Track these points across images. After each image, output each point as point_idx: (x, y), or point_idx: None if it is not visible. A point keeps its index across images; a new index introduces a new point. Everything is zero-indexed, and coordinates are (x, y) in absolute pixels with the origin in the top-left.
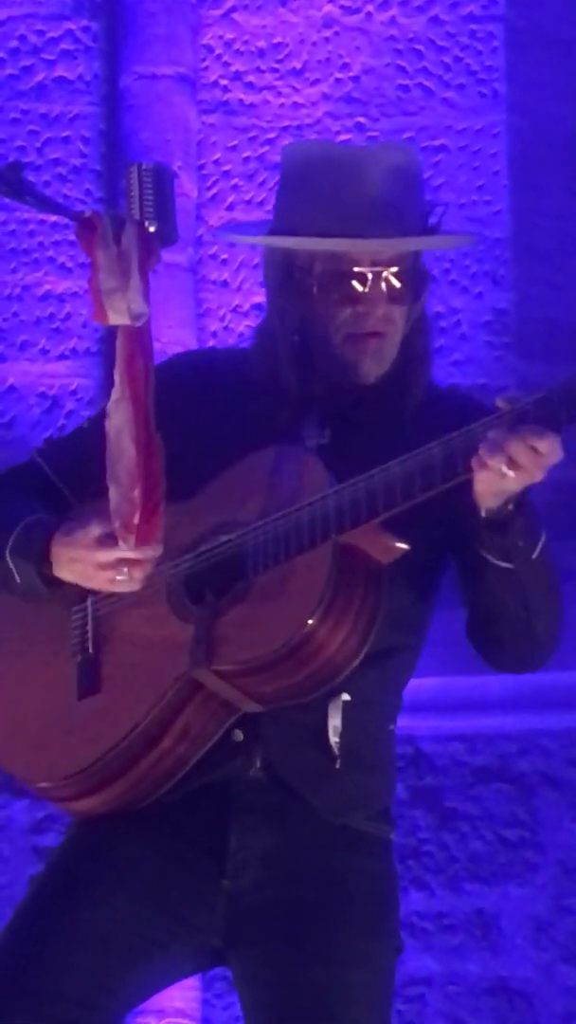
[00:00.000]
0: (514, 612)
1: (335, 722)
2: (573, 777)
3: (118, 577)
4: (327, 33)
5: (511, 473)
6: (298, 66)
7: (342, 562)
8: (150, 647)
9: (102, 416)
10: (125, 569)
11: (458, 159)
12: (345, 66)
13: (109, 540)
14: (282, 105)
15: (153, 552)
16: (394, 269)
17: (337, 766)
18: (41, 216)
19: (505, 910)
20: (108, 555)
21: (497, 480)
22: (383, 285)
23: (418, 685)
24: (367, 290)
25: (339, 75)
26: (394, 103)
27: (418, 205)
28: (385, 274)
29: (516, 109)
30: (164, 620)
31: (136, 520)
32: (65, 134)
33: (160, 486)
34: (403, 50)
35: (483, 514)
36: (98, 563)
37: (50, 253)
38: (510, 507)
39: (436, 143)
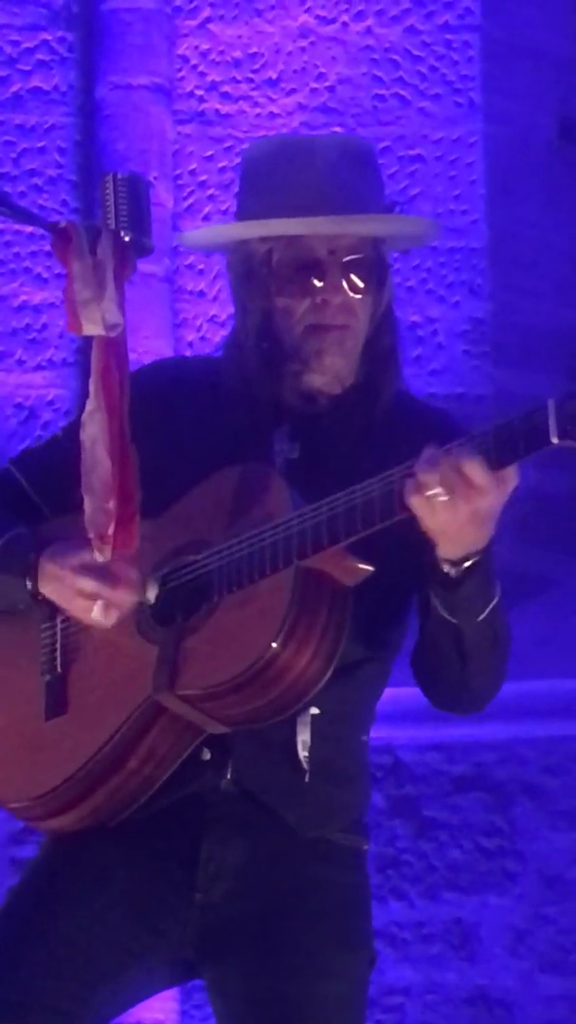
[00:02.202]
0: (451, 661)
1: (303, 736)
2: (551, 786)
3: (94, 609)
4: (303, 43)
5: (443, 497)
6: (274, 76)
7: (305, 585)
8: (116, 668)
9: (76, 426)
10: (100, 603)
11: (434, 169)
12: (321, 76)
13: (89, 570)
14: (258, 115)
15: (131, 598)
16: (353, 257)
17: (306, 780)
18: (17, 227)
19: (484, 919)
20: (89, 585)
21: (429, 508)
22: (342, 275)
23: (397, 695)
24: (325, 280)
25: (315, 85)
26: (370, 113)
27: (375, 191)
28: (343, 262)
29: (492, 118)
30: (130, 641)
31: (111, 531)
32: (41, 144)
33: (135, 497)
34: (379, 60)
35: (439, 561)
36: (78, 589)
37: (26, 264)
38: (467, 564)
39: (412, 153)
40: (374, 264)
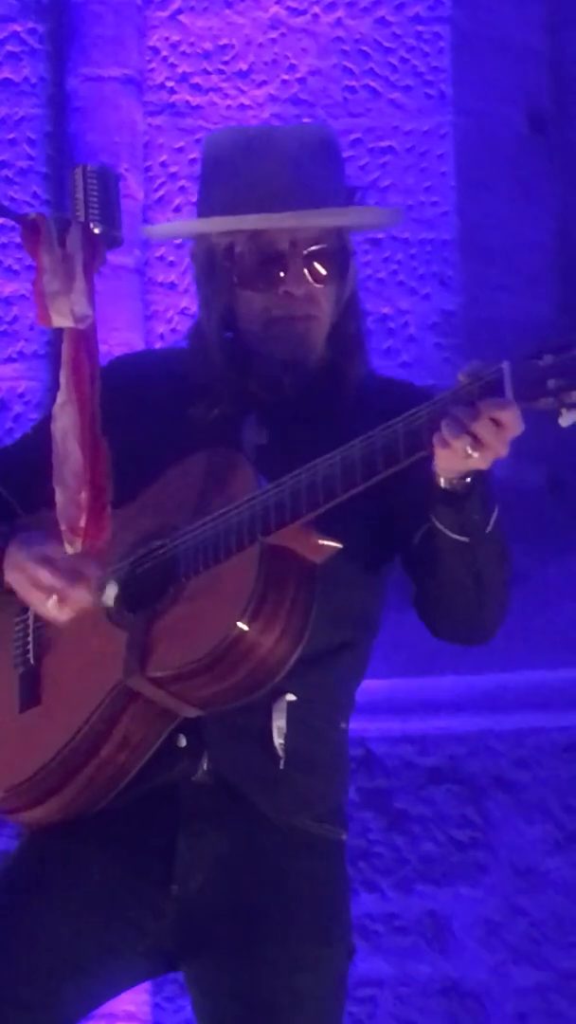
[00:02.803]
0: (465, 585)
1: (279, 723)
2: (522, 778)
3: (48, 602)
4: (273, 35)
5: (475, 454)
6: (244, 68)
7: (270, 563)
8: (87, 656)
9: (47, 422)
10: (54, 598)
11: (405, 160)
12: (291, 67)
13: (50, 563)
14: (229, 107)
15: (86, 597)
16: (315, 248)
17: (281, 767)
18: None
19: (456, 911)
20: (46, 578)
21: (461, 460)
22: (304, 266)
23: (368, 687)
24: (287, 272)
25: (285, 76)
26: (340, 104)
27: (337, 181)
28: (305, 253)
29: (463, 110)
30: (101, 628)
31: (83, 523)
32: (11, 136)
33: (107, 489)
34: (349, 51)
35: (441, 485)
36: (35, 580)
37: None
38: (468, 480)
39: (383, 144)
40: (337, 253)
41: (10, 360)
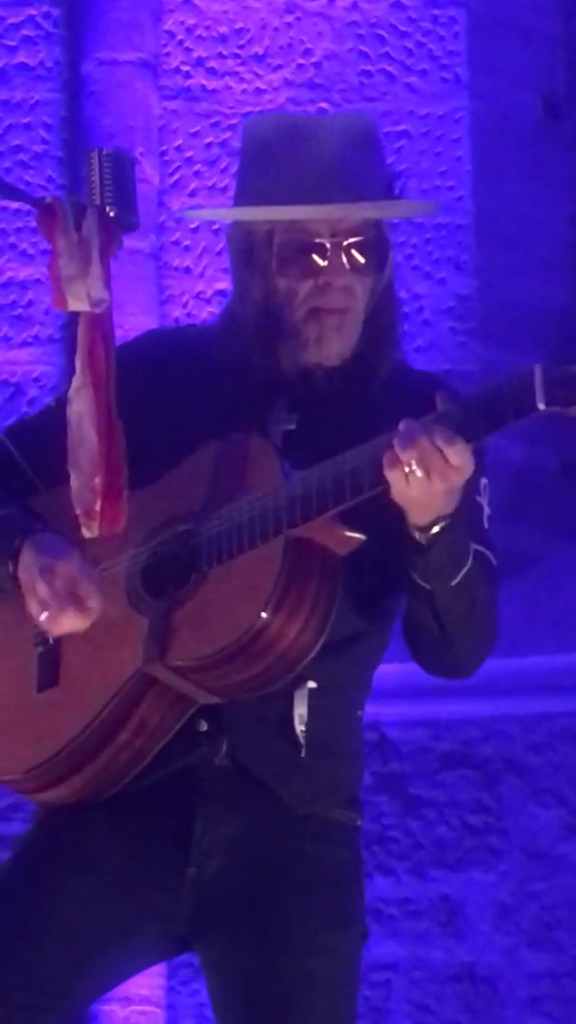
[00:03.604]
0: (430, 627)
1: (300, 710)
2: (536, 763)
3: (41, 615)
4: (289, 19)
5: (419, 473)
6: (260, 52)
7: (295, 555)
8: (107, 640)
9: (66, 400)
10: (47, 614)
11: (420, 145)
12: (307, 51)
13: (52, 577)
14: (244, 91)
15: (78, 624)
16: (355, 239)
17: (302, 755)
18: (3, 203)
19: (470, 896)
20: (42, 590)
21: (403, 483)
22: (344, 256)
23: (383, 671)
24: (327, 262)
25: (301, 60)
26: (356, 89)
27: (379, 171)
28: (346, 244)
29: (478, 94)
30: (121, 612)
31: (98, 507)
32: (26, 120)
33: (122, 473)
34: (365, 35)
35: (408, 527)
36: (33, 589)
37: (12, 240)
38: (435, 529)
39: (398, 129)
40: (377, 244)
41: (25, 344)
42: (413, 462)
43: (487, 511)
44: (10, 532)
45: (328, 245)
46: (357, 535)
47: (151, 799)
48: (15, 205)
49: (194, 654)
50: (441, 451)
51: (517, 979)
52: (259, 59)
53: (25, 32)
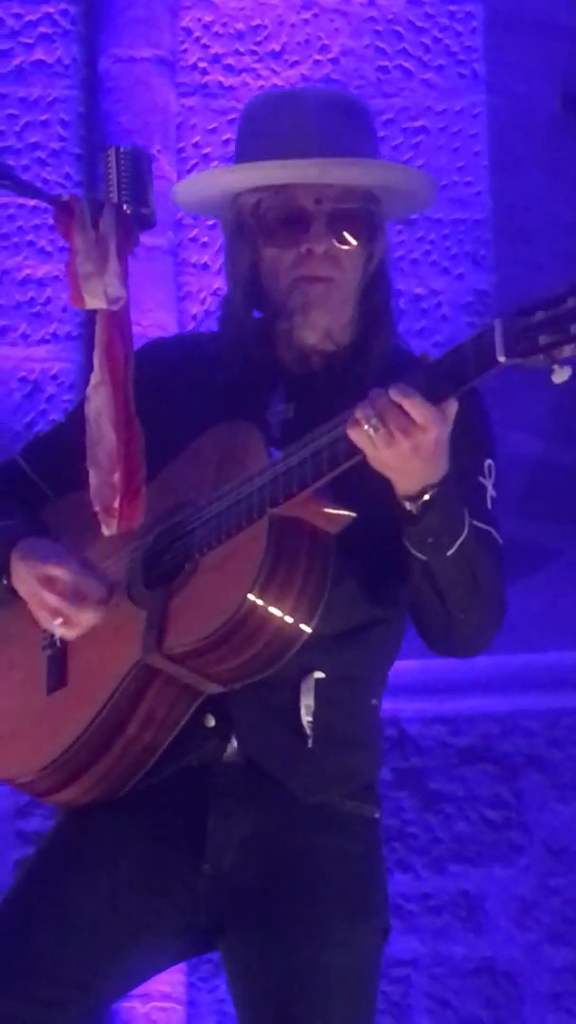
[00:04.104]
0: (431, 600)
1: (307, 701)
2: (556, 758)
3: (55, 623)
4: (306, 15)
5: (381, 431)
6: (277, 48)
7: (280, 535)
8: (110, 636)
9: (80, 410)
10: (60, 620)
11: (438, 140)
12: (324, 48)
13: (54, 584)
14: (261, 87)
15: (93, 618)
16: (340, 207)
17: (309, 746)
18: (21, 200)
19: (490, 891)
20: (53, 601)
21: (369, 444)
22: (327, 224)
23: (402, 667)
24: (311, 229)
25: (318, 57)
26: (374, 84)
27: (364, 143)
28: (329, 211)
29: (496, 89)
30: (123, 607)
31: (116, 504)
32: (44, 118)
33: (140, 470)
34: (382, 31)
35: (399, 498)
36: (41, 602)
37: (30, 237)
38: (425, 497)
39: (416, 124)
40: (362, 217)
41: (43, 341)
42: (373, 420)
43: (491, 492)
44: (4, 544)
45: (311, 211)
46: (344, 512)
47: (164, 797)
48: (32, 202)
49: (188, 640)
50: (399, 406)
51: (537, 974)
52: (276, 55)
53: (42, 29)
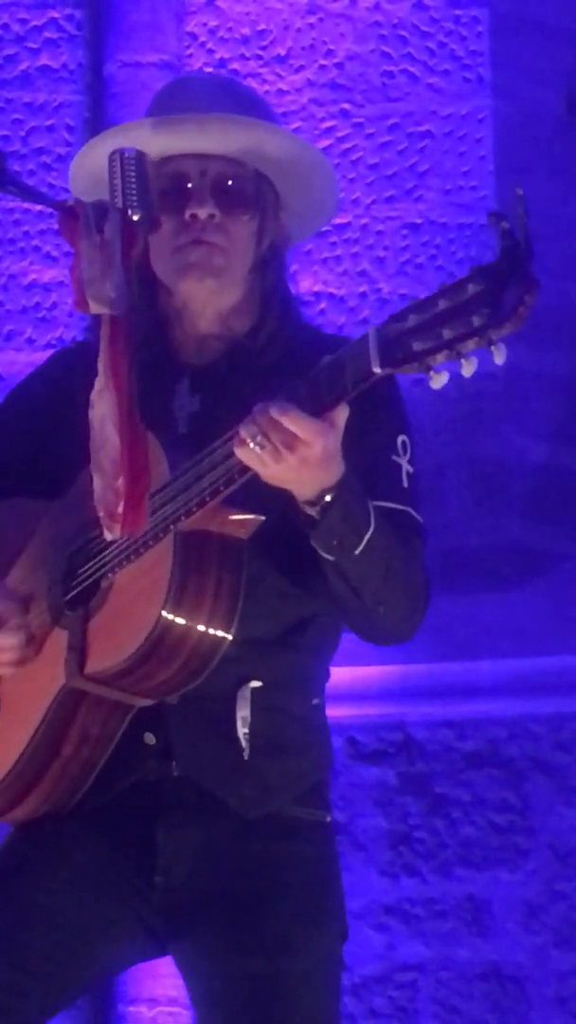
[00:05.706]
0: (347, 598)
1: (243, 712)
2: (562, 762)
3: None
4: (311, 19)
5: (266, 448)
6: (282, 53)
7: (187, 549)
8: (38, 659)
9: (12, 398)
10: None
11: (443, 145)
12: (329, 52)
13: None
14: (266, 92)
15: (10, 642)
16: (223, 176)
17: (245, 757)
18: (26, 205)
19: (496, 895)
20: None
21: (256, 461)
22: (210, 189)
23: (408, 671)
24: (193, 197)
25: (323, 61)
26: (379, 89)
27: (250, 109)
28: (214, 178)
29: (501, 94)
30: (44, 628)
31: (120, 509)
32: (49, 123)
33: (145, 475)
34: (387, 36)
35: (299, 504)
36: None
37: (36, 242)
38: (326, 499)
39: (421, 129)
40: (248, 189)
41: (49, 346)
42: (258, 437)
43: (407, 469)
44: None
45: (195, 182)
46: (252, 516)
47: (117, 810)
48: (37, 208)
49: (110, 663)
50: (278, 423)
51: (544, 978)
52: (281, 60)
53: (48, 35)
